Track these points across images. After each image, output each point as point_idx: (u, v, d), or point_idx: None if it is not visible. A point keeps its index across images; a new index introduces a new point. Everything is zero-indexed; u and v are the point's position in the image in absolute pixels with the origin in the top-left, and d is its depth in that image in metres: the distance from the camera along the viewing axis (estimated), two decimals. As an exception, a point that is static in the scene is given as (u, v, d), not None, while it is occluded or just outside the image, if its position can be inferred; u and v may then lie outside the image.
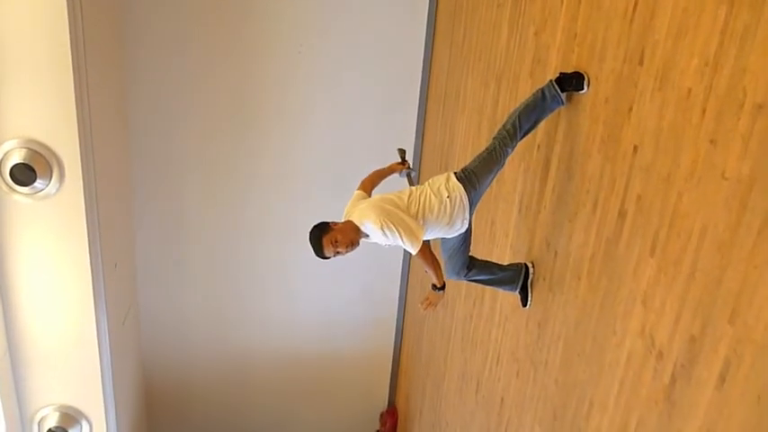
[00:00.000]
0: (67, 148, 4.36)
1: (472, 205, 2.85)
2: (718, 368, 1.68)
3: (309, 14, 5.97)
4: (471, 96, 4.58)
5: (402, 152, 3.54)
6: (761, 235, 1.55)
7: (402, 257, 7.06)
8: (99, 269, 4.89)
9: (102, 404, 5.24)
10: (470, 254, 3.12)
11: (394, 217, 2.70)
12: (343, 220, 2.85)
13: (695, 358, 1.79)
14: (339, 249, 2.72)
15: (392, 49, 6.16)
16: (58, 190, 4.45)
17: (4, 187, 4.37)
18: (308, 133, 6.40)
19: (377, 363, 7.70)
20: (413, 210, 2.78)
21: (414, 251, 2.74)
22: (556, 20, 3.02)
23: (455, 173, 2.86)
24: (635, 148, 2.21)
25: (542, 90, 2.76)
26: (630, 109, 2.26)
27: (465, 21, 4.91)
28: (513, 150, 2.84)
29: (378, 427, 7.92)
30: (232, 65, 6.04)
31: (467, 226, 2.90)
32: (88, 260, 4.68)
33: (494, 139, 2.83)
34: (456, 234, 2.93)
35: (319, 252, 2.75)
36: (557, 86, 2.71)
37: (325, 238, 2.71)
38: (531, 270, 3.16)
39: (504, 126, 2.82)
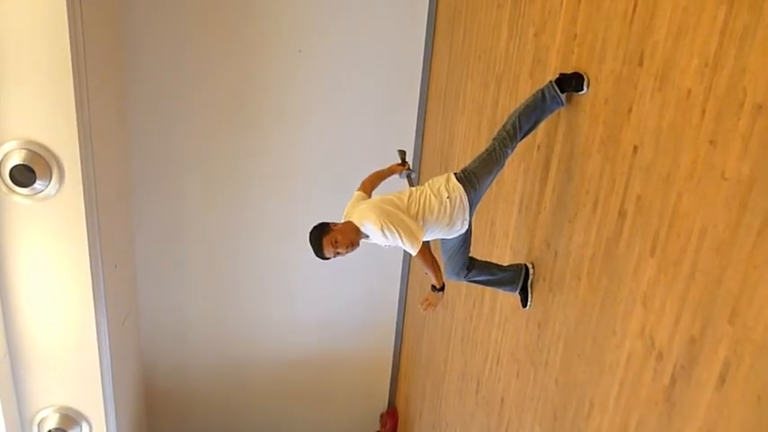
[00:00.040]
0: (67, 149, 4.36)
1: (472, 206, 2.85)
2: (718, 369, 1.68)
3: (309, 15, 5.98)
4: (471, 97, 4.58)
5: (402, 153, 3.54)
6: (761, 235, 1.55)
7: (402, 259, 7.06)
8: (99, 270, 4.89)
9: (102, 405, 5.24)
10: (470, 255, 3.12)
11: (394, 218, 2.70)
12: (343, 221, 2.85)
13: (695, 359, 1.79)
14: (339, 250, 2.72)
15: (392, 50, 6.16)
16: (57, 191, 4.45)
17: (4, 188, 4.37)
18: (308, 133, 6.40)
19: (377, 364, 7.70)
20: (413, 211, 2.78)
21: (413, 252, 2.74)
22: (555, 21, 3.03)
23: (455, 174, 2.86)
24: (635, 148, 2.21)
25: (542, 91, 2.76)
26: (630, 109, 2.26)
27: (465, 21, 4.92)
28: (512, 151, 2.84)
29: (378, 428, 7.91)
30: (232, 65, 6.04)
31: (467, 227, 2.90)
32: (88, 261, 4.68)
33: (494, 139, 2.83)
34: (456, 235, 2.92)
35: (319, 253, 2.76)
36: (556, 87, 2.71)
37: (325, 238, 2.71)
38: (531, 271, 3.16)
39: (503, 127, 2.82)
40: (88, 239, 4.62)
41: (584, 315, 2.56)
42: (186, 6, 5.79)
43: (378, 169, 3.33)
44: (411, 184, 3.44)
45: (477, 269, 3.15)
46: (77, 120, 4.29)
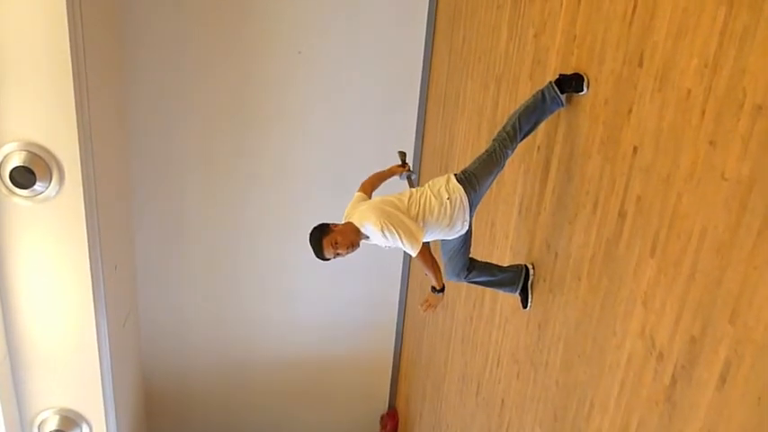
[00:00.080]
0: (67, 150, 4.36)
1: (472, 207, 2.85)
2: (718, 369, 1.68)
3: (309, 15, 5.98)
4: (471, 98, 4.58)
5: (402, 155, 3.55)
6: (761, 236, 1.55)
7: (402, 260, 7.06)
8: (99, 272, 4.89)
9: (102, 407, 5.24)
10: (470, 255, 3.12)
11: (394, 219, 2.70)
12: (343, 222, 2.85)
13: (695, 359, 1.79)
14: (339, 251, 2.72)
15: (392, 50, 6.16)
16: (57, 193, 4.45)
17: (4, 190, 4.37)
18: (308, 133, 6.40)
19: (377, 365, 7.69)
20: (413, 211, 2.78)
21: (413, 253, 2.75)
22: (555, 22, 3.03)
23: (455, 174, 2.86)
24: (635, 149, 2.21)
25: (542, 92, 2.76)
26: (630, 110, 2.26)
27: (464, 22, 4.92)
28: (513, 152, 2.85)
29: (378, 430, 7.91)
30: (232, 65, 6.05)
31: (467, 227, 2.90)
32: (88, 263, 4.68)
33: (494, 140, 2.83)
34: (456, 236, 2.93)
35: (319, 253, 2.76)
36: (556, 88, 2.72)
37: (325, 239, 2.72)
38: (531, 271, 3.16)
39: (503, 128, 2.82)
40: (88, 241, 4.62)
41: (585, 316, 2.56)
42: (186, 6, 5.80)
43: (378, 170, 3.33)
44: (411, 186, 3.44)
45: (477, 270, 3.15)
46: (77, 121, 4.29)
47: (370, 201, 2.95)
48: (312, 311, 7.20)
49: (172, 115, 6.11)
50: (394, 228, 2.67)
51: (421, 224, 2.77)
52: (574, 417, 2.62)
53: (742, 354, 1.59)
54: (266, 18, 5.94)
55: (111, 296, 5.26)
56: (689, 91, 1.89)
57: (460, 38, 5.03)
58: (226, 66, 6.04)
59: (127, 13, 5.64)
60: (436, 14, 6.02)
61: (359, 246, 2.78)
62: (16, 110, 4.21)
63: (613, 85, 2.40)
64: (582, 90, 2.64)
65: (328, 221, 2.82)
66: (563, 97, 2.73)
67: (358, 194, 3.06)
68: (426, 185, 2.90)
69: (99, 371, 5.07)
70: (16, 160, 4.28)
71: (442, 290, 3.02)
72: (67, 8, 4.04)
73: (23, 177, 4.29)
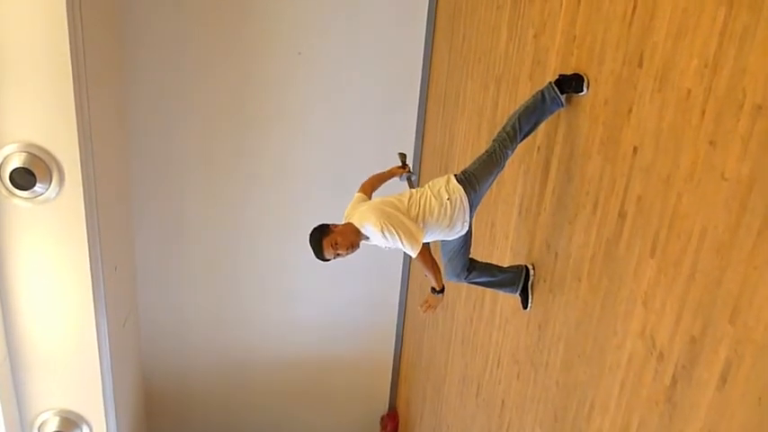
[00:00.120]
0: (67, 151, 4.36)
1: (472, 207, 2.85)
2: (718, 369, 1.68)
3: (309, 15, 5.99)
4: (471, 98, 4.59)
5: (403, 156, 3.55)
6: (761, 236, 1.55)
7: (402, 261, 7.06)
8: (99, 273, 4.89)
9: (103, 408, 5.24)
10: (471, 256, 3.12)
11: (394, 219, 2.70)
12: (343, 223, 2.85)
13: (696, 359, 1.79)
14: (339, 251, 2.72)
15: (392, 50, 6.17)
16: (57, 194, 4.45)
17: (4, 192, 4.37)
18: (308, 133, 6.41)
19: (377, 366, 7.69)
20: (413, 212, 2.78)
21: (413, 254, 2.75)
22: (555, 22, 3.03)
23: (455, 175, 2.86)
24: (635, 149, 2.21)
25: (542, 92, 2.76)
26: (630, 110, 2.26)
27: (464, 23, 4.92)
28: (512, 152, 2.85)
29: (378, 431, 7.90)
30: (232, 65, 6.05)
31: (467, 228, 2.90)
32: (88, 264, 4.68)
33: (494, 141, 2.83)
34: (456, 236, 2.93)
35: (319, 254, 2.76)
36: (556, 88, 2.72)
37: (325, 240, 2.72)
38: (531, 272, 3.16)
39: (503, 128, 2.82)
40: (88, 242, 4.62)
41: (585, 316, 2.56)
42: (186, 6, 5.80)
43: (378, 172, 3.33)
44: (411, 187, 3.44)
45: (477, 270, 3.15)
46: (77, 122, 4.29)
47: (370, 201, 2.95)
48: (312, 312, 7.20)
49: (172, 115, 6.11)
50: (394, 228, 2.67)
51: (421, 225, 2.77)
52: (574, 417, 2.62)
53: (742, 354, 1.59)
54: (266, 18, 5.95)
55: (111, 297, 5.26)
56: (689, 91, 1.89)
57: (460, 38, 5.03)
58: (226, 66, 6.04)
59: (127, 14, 5.65)
60: (436, 14, 6.03)
61: (359, 246, 2.78)
62: (16, 111, 4.21)
63: (613, 85, 2.40)
64: (582, 90, 2.64)
65: (328, 222, 2.82)
66: (563, 98, 2.73)
67: (358, 195, 3.06)
68: (426, 186, 2.90)
69: (99, 372, 5.06)
70: (16, 162, 4.28)
71: (442, 291, 3.02)
72: (67, 9, 4.04)
73: (23, 179, 4.29)
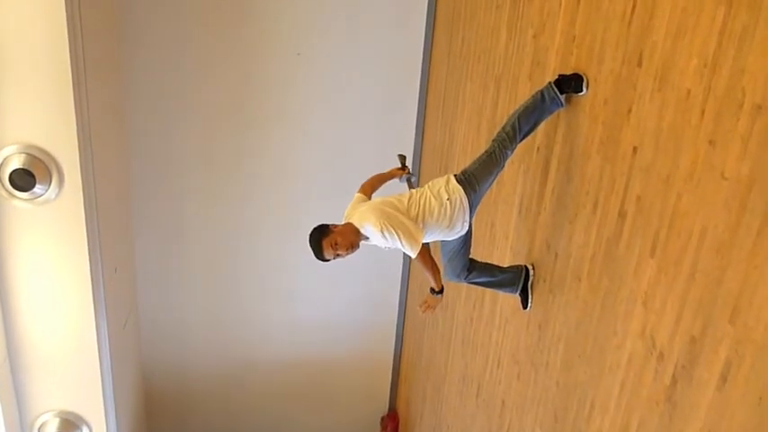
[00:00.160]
0: (67, 153, 4.36)
1: (472, 207, 2.85)
2: (719, 369, 1.68)
3: (309, 15, 5.99)
4: (470, 98, 4.59)
5: (402, 158, 3.55)
6: (760, 235, 1.55)
7: (402, 261, 7.06)
8: (99, 274, 4.89)
9: (103, 409, 5.23)
10: (470, 256, 3.12)
11: (394, 220, 2.70)
12: (343, 223, 2.85)
13: (696, 359, 1.78)
14: (339, 252, 2.72)
15: (392, 51, 6.17)
16: (57, 195, 4.45)
17: (4, 193, 4.37)
18: (308, 133, 6.41)
19: (377, 366, 7.69)
20: (413, 212, 2.78)
21: (413, 254, 2.74)
22: (554, 22, 3.03)
23: (455, 175, 2.86)
24: (634, 149, 2.21)
25: (541, 92, 2.76)
26: (630, 110, 2.26)
27: (464, 23, 4.92)
28: (512, 152, 2.85)
29: (378, 431, 7.90)
30: (232, 65, 6.05)
31: (467, 228, 2.90)
32: (88, 265, 4.67)
33: (493, 141, 2.83)
34: (456, 236, 2.93)
35: (319, 254, 2.76)
36: (556, 88, 2.71)
37: (324, 240, 2.72)
38: (531, 272, 3.16)
39: (503, 128, 2.82)
40: (88, 243, 4.61)
41: (585, 316, 2.55)
42: (186, 6, 5.80)
43: (378, 173, 3.33)
44: (411, 188, 3.44)
45: (477, 271, 3.15)
46: (77, 123, 4.29)
47: (369, 202, 2.95)
48: (312, 312, 7.20)
49: (172, 115, 6.11)
50: (393, 229, 2.67)
51: (421, 225, 2.77)
52: (574, 417, 2.62)
53: (742, 353, 1.59)
54: (266, 18, 5.95)
55: (111, 298, 5.26)
56: (688, 91, 1.89)
57: (460, 38, 5.03)
58: (226, 66, 6.04)
59: (126, 14, 5.64)
60: (435, 15, 6.03)
61: (359, 247, 2.78)
62: (16, 112, 4.21)
63: (613, 85, 2.40)
64: (581, 90, 2.64)
65: (328, 222, 2.82)
66: (562, 97, 2.73)
67: (358, 195, 3.06)
68: (426, 186, 2.90)
69: (99, 373, 5.06)
70: (16, 163, 4.28)
71: (441, 291, 3.03)
72: (66, 10, 4.04)
73: (23, 180, 4.29)
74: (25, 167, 4.27)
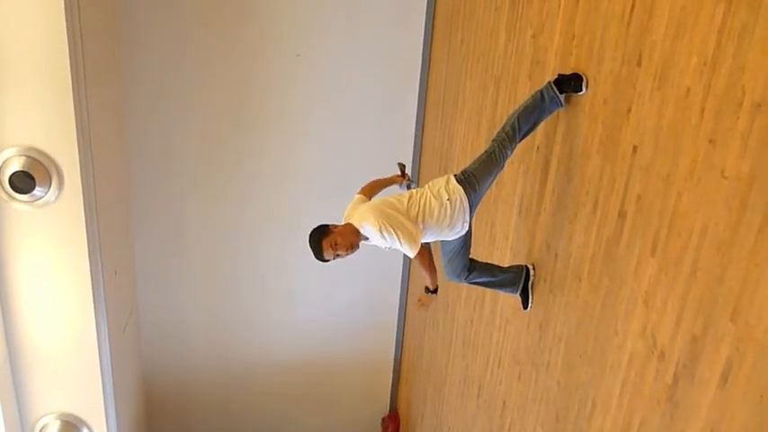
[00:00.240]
0: (66, 155, 4.36)
1: (472, 207, 2.85)
2: (720, 367, 1.67)
3: (309, 15, 6.00)
4: (470, 99, 4.59)
5: (402, 166, 3.56)
6: (761, 233, 1.54)
7: (402, 261, 7.06)
8: (99, 276, 4.89)
9: (103, 411, 5.23)
10: (471, 256, 3.12)
11: (393, 220, 2.70)
12: (342, 223, 2.85)
13: (697, 358, 1.78)
14: (339, 252, 2.72)
15: (391, 51, 6.17)
16: (57, 197, 4.45)
17: (4, 195, 4.37)
18: (308, 133, 6.41)
19: (378, 367, 7.68)
20: (412, 212, 2.78)
21: (411, 254, 2.74)
22: (553, 22, 3.03)
23: (455, 175, 2.86)
24: (634, 148, 2.21)
25: (541, 92, 2.76)
26: (629, 109, 2.26)
27: (463, 24, 4.92)
28: (512, 152, 2.84)
29: (379, 432, 7.90)
30: (232, 65, 6.05)
31: (467, 228, 2.90)
32: (88, 267, 4.67)
33: (493, 141, 2.83)
34: (456, 236, 2.93)
35: (319, 255, 2.76)
36: (555, 88, 2.71)
37: (324, 240, 2.71)
38: (531, 272, 3.16)
39: (503, 128, 2.82)
40: (88, 245, 4.61)
41: (586, 315, 2.55)
42: (186, 6, 5.80)
43: (378, 177, 3.32)
44: None
45: (477, 271, 3.15)
46: (76, 125, 4.29)
47: (369, 202, 2.95)
48: (312, 313, 7.20)
49: (172, 115, 6.11)
50: (392, 228, 2.67)
51: (420, 225, 2.77)
52: (576, 417, 2.62)
53: (744, 352, 1.59)
54: (266, 18, 5.95)
55: (112, 300, 5.25)
56: (688, 89, 1.89)
57: (459, 39, 5.03)
58: (226, 66, 6.04)
59: (126, 14, 5.65)
60: (434, 16, 6.03)
61: (358, 247, 2.78)
62: (15, 115, 4.21)
63: (612, 84, 2.40)
64: (581, 90, 2.64)
65: (328, 222, 2.82)
66: (562, 97, 2.73)
67: (358, 197, 3.06)
68: (426, 186, 2.90)
69: (99, 375, 5.06)
70: (16, 165, 4.28)
71: (435, 291, 3.04)
72: (66, 11, 4.04)
73: (23, 182, 4.29)
74: (25, 170, 4.28)
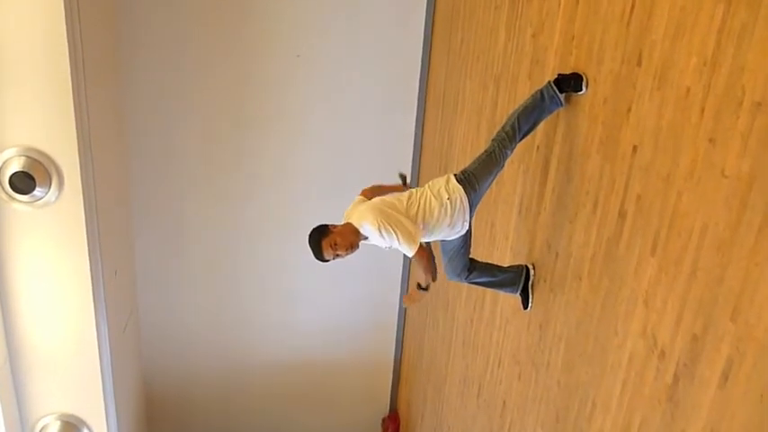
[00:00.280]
0: (66, 155, 4.36)
1: (472, 207, 2.85)
2: (720, 367, 1.68)
3: (309, 15, 6.00)
4: (470, 98, 4.59)
5: (403, 177, 3.55)
6: (761, 232, 1.54)
7: (402, 262, 7.05)
8: (99, 277, 4.89)
9: (104, 412, 5.23)
10: (471, 256, 3.12)
11: (392, 219, 2.70)
12: (342, 223, 2.85)
13: (697, 357, 1.78)
14: (338, 252, 2.72)
15: (391, 51, 6.17)
16: (57, 198, 4.45)
17: (4, 196, 4.37)
18: (308, 133, 6.41)
19: (378, 367, 7.68)
20: (412, 212, 2.78)
21: (410, 254, 2.74)
22: (553, 22, 3.03)
23: (455, 175, 2.86)
24: (634, 148, 2.21)
25: (541, 91, 2.76)
26: (629, 109, 2.26)
27: (462, 23, 4.92)
28: (512, 152, 2.85)
29: (380, 432, 7.90)
30: (232, 65, 6.05)
31: (467, 228, 2.90)
32: (88, 268, 4.67)
33: (493, 140, 2.83)
34: (456, 236, 2.93)
35: (318, 255, 2.76)
36: (555, 88, 2.71)
37: (324, 240, 2.71)
38: (531, 272, 3.16)
39: (502, 128, 2.82)
40: (88, 246, 4.61)
41: (586, 315, 2.55)
42: (186, 6, 5.80)
43: (380, 183, 3.31)
44: None
45: (477, 270, 3.15)
46: (76, 125, 4.29)
47: (369, 201, 2.94)
48: (312, 313, 7.20)
49: (172, 115, 6.11)
50: (391, 227, 2.67)
51: (420, 225, 2.77)
52: (576, 417, 2.62)
53: (744, 351, 1.59)
54: (266, 18, 5.95)
55: (112, 301, 5.25)
56: (688, 89, 1.89)
57: (459, 39, 5.03)
58: (226, 66, 6.04)
59: (126, 14, 5.65)
60: (434, 16, 6.04)
61: (358, 247, 2.78)
62: (15, 115, 4.21)
63: (612, 84, 2.40)
64: (581, 90, 2.64)
65: (327, 222, 2.82)
66: (562, 97, 2.73)
67: (358, 198, 3.06)
68: (426, 186, 2.90)
69: (100, 375, 5.06)
70: (16, 166, 4.28)
71: (427, 288, 3.03)
72: (66, 11, 4.04)
73: (23, 183, 4.29)
74: (25, 170, 4.27)
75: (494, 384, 3.84)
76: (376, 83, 6.28)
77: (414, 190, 2.92)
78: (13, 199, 4.38)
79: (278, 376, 7.46)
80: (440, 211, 2.78)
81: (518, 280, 3.17)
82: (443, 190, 2.82)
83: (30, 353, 4.87)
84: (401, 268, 7.10)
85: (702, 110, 1.81)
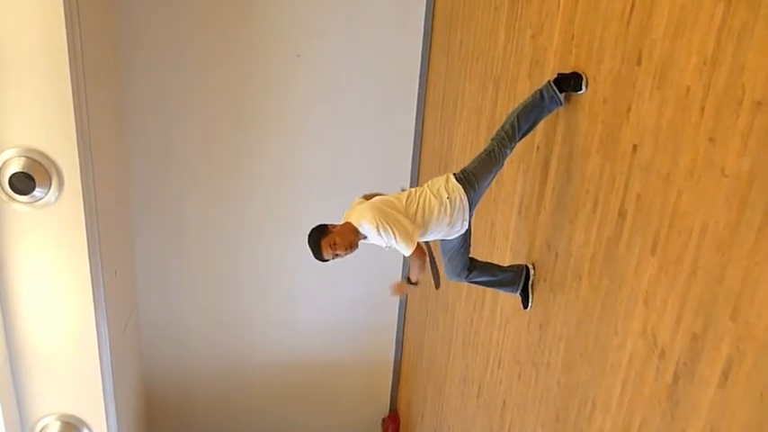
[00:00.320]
0: (66, 156, 4.36)
1: (472, 206, 2.85)
2: (720, 366, 1.67)
3: (309, 15, 6.00)
4: (469, 98, 4.59)
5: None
6: (761, 231, 1.54)
7: (402, 261, 7.05)
8: (99, 277, 4.89)
9: (104, 412, 5.23)
10: (471, 256, 3.12)
11: (390, 217, 2.70)
12: (341, 223, 2.85)
13: (697, 356, 1.78)
14: (338, 252, 2.72)
15: (391, 51, 6.17)
16: (57, 198, 4.45)
17: (4, 196, 4.37)
18: (308, 133, 6.41)
19: (378, 367, 7.68)
20: (411, 211, 2.78)
21: (406, 252, 2.74)
22: (553, 22, 3.03)
23: (454, 174, 2.86)
24: (634, 147, 2.21)
25: (541, 91, 2.76)
26: (629, 109, 2.26)
27: (462, 24, 4.92)
28: (511, 151, 2.85)
29: (380, 432, 7.90)
30: (231, 65, 6.05)
31: (466, 227, 2.90)
32: (88, 268, 4.67)
33: (492, 140, 2.83)
34: (456, 235, 2.93)
35: (318, 255, 2.75)
36: (555, 87, 2.71)
37: (323, 240, 2.71)
38: (531, 271, 3.16)
39: (502, 127, 2.82)
40: (88, 246, 4.61)
41: (586, 315, 2.55)
42: (186, 6, 5.80)
43: (381, 193, 3.30)
44: None
45: (477, 270, 3.15)
46: (76, 126, 4.29)
47: (368, 201, 2.94)
48: (312, 313, 7.19)
49: (172, 115, 6.11)
50: (389, 225, 2.66)
51: (420, 224, 2.77)
52: (576, 417, 2.61)
53: (744, 351, 1.59)
54: (266, 18, 5.95)
55: (112, 301, 5.25)
56: (688, 88, 1.88)
57: (458, 39, 5.03)
58: (226, 66, 6.04)
59: (126, 14, 5.65)
60: (433, 17, 6.04)
61: (357, 246, 2.78)
62: (15, 116, 4.21)
63: (612, 83, 2.40)
64: (581, 89, 2.64)
65: (327, 222, 2.82)
66: (562, 96, 2.73)
67: (358, 199, 3.06)
68: (425, 185, 2.90)
69: (100, 375, 5.06)
70: (15, 166, 4.28)
71: (416, 284, 3.03)
72: (65, 12, 4.04)
73: (23, 183, 4.29)
74: (25, 171, 4.27)
75: (494, 384, 3.84)
76: (376, 83, 6.28)
77: (413, 189, 2.92)
78: (13, 199, 4.38)
79: (278, 376, 7.46)
80: (439, 211, 2.78)
81: (518, 279, 3.17)
82: (443, 189, 2.82)
83: (30, 353, 4.87)
84: (401, 268, 7.10)
85: (702, 109, 1.81)
